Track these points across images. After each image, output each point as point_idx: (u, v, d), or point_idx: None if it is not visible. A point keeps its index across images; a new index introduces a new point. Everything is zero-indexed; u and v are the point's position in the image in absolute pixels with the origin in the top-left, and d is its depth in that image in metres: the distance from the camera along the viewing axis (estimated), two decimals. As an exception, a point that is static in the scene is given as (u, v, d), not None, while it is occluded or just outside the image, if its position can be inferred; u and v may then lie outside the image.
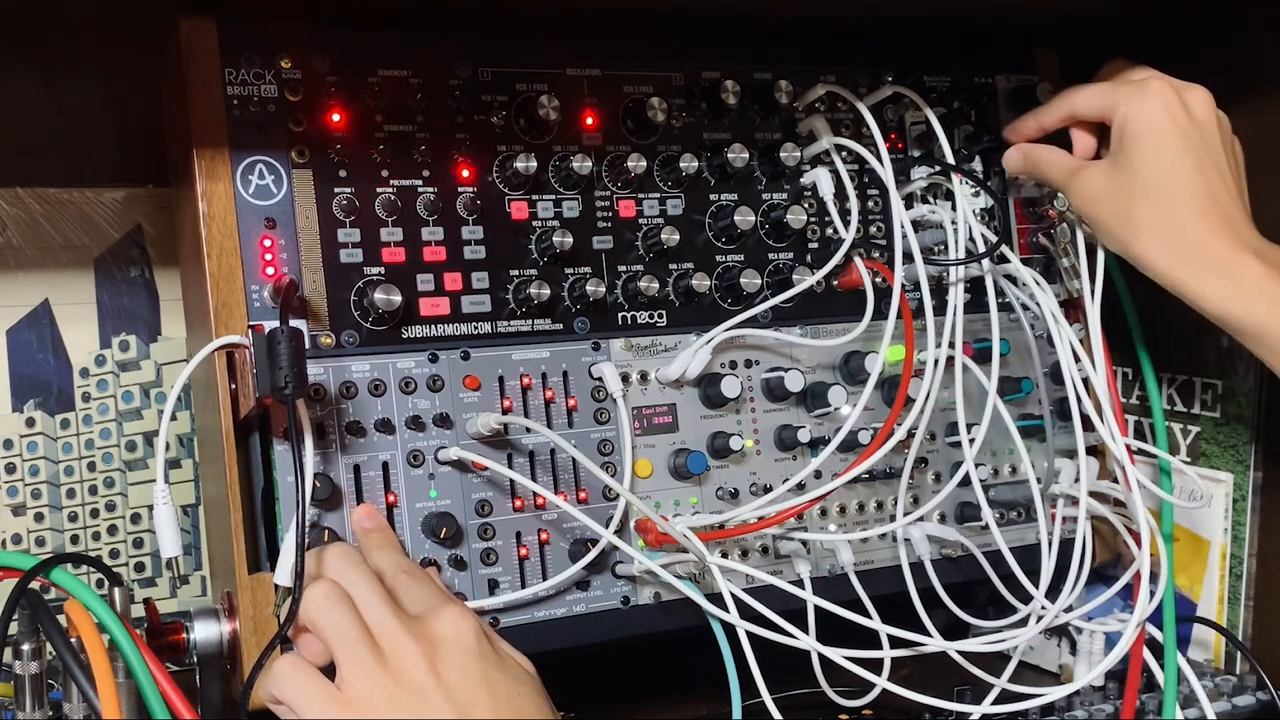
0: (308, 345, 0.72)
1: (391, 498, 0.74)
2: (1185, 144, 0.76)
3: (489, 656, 0.61)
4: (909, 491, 0.86)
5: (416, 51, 0.77)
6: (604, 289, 0.79)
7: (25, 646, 0.61)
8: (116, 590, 0.64)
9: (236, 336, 0.71)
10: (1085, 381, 0.87)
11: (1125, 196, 0.78)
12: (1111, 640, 0.87)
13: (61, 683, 0.63)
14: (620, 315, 0.81)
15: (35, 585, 0.60)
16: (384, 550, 0.69)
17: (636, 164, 0.80)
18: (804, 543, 0.82)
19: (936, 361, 0.83)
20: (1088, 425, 0.86)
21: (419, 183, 0.77)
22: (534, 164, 0.77)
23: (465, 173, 0.78)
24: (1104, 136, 0.83)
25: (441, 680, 0.59)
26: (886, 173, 0.85)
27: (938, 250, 0.88)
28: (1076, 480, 0.87)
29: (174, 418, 0.92)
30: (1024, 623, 0.83)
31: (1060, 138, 0.86)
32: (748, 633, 0.75)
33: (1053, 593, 0.83)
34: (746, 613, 0.75)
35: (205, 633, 0.71)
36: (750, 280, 0.83)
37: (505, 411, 0.77)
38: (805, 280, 0.84)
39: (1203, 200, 0.76)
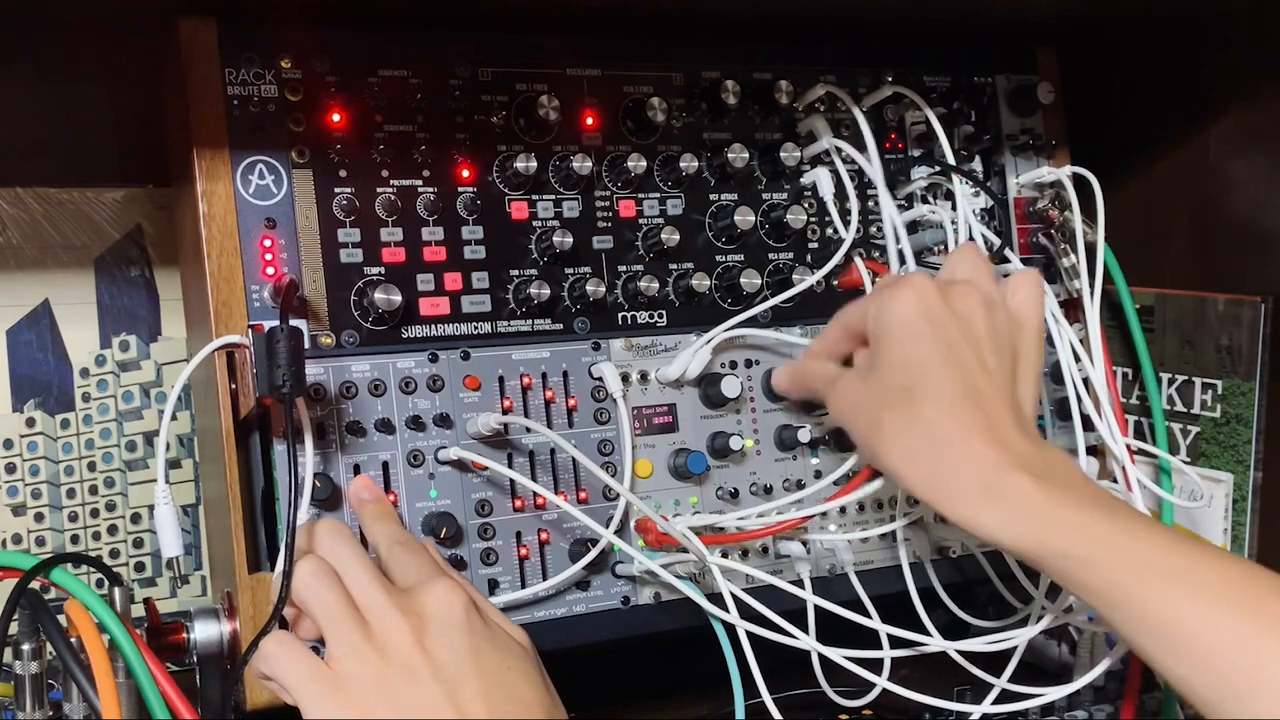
0: (308, 345, 0.72)
1: (392, 498, 0.74)
2: (936, 337, 0.66)
3: (478, 630, 0.61)
4: (909, 491, 0.86)
5: (416, 51, 0.77)
6: (604, 289, 0.79)
7: (25, 646, 0.61)
8: (116, 590, 0.64)
9: (236, 336, 0.71)
10: (1085, 381, 0.87)
11: (875, 401, 0.68)
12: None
13: (61, 683, 0.63)
14: (620, 315, 0.81)
15: (35, 585, 0.60)
16: (380, 522, 0.69)
17: (636, 164, 0.80)
18: (804, 542, 0.82)
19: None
20: (1088, 425, 0.86)
21: (419, 183, 0.77)
22: (534, 164, 0.77)
23: (465, 173, 0.78)
24: None
25: (428, 655, 0.59)
26: (876, 173, 0.84)
27: (938, 250, 0.88)
28: (1076, 480, 0.87)
29: (174, 418, 0.92)
30: (1024, 623, 0.83)
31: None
32: (748, 633, 0.75)
33: (1053, 593, 0.83)
34: (746, 613, 0.75)
35: (205, 633, 0.71)
36: (750, 280, 0.83)
37: (505, 411, 0.77)
38: (805, 280, 0.84)
39: (957, 399, 0.65)
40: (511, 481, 0.76)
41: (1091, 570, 0.62)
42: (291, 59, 0.74)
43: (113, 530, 0.92)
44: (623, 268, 0.81)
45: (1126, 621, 0.62)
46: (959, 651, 0.79)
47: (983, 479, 0.64)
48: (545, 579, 0.76)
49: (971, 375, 0.66)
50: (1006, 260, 0.88)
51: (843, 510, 0.85)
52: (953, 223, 0.86)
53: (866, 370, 0.70)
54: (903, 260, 0.85)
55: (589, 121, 0.81)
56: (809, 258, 0.86)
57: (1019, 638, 0.82)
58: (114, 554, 0.92)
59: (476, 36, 0.79)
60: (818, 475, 0.83)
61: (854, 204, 0.86)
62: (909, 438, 0.66)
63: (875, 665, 0.77)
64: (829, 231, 0.87)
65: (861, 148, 0.85)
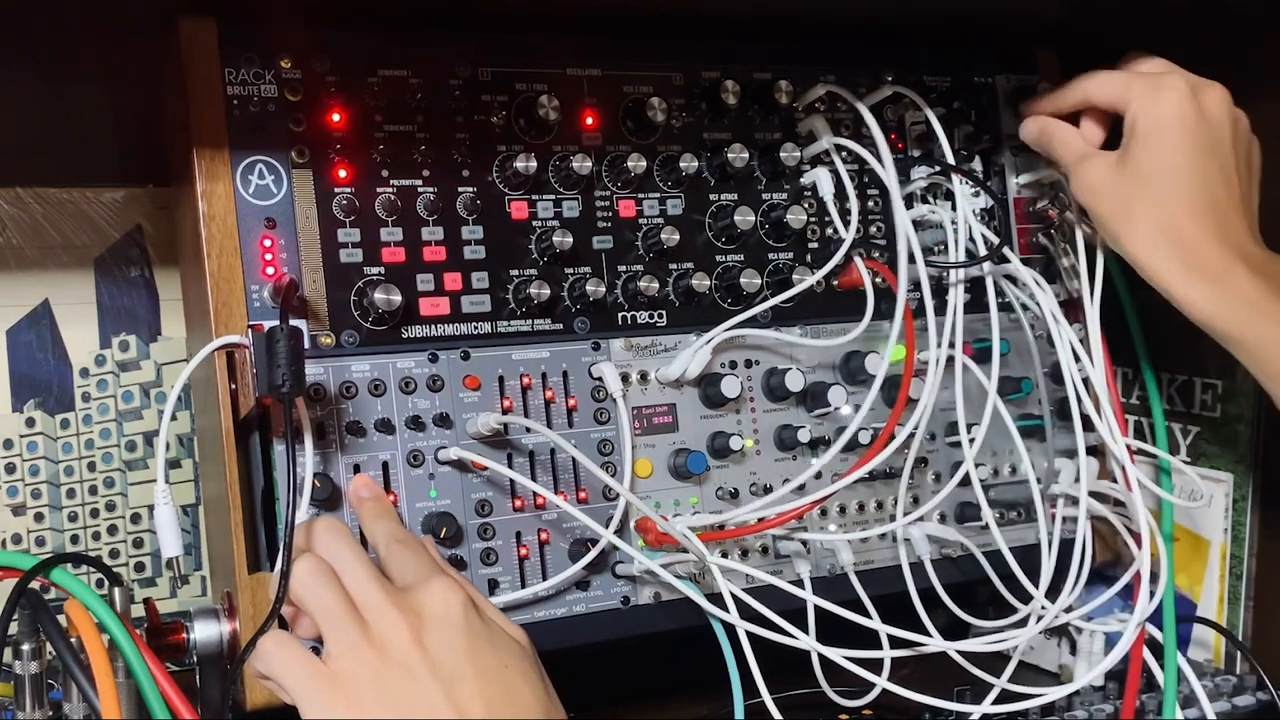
0: (308, 345, 0.72)
1: (391, 498, 0.74)
2: (1192, 145, 0.76)
3: (476, 629, 0.60)
4: (909, 491, 0.86)
5: (416, 51, 0.77)
6: (604, 289, 0.79)
7: (25, 646, 0.61)
8: (116, 590, 0.64)
9: (236, 336, 0.71)
10: (1085, 381, 0.87)
11: (1126, 192, 0.77)
12: (1111, 640, 0.87)
13: (61, 683, 0.63)
14: (620, 315, 0.81)
15: (35, 585, 0.60)
16: (379, 520, 0.69)
17: (636, 164, 0.80)
18: (804, 543, 0.82)
19: (937, 361, 0.83)
20: (1088, 425, 0.86)
21: (419, 183, 0.77)
22: (534, 164, 0.77)
23: (465, 173, 0.78)
24: (1114, 127, 0.83)
25: (427, 653, 0.58)
26: (888, 172, 0.85)
27: (938, 250, 0.88)
28: (1076, 480, 0.87)
29: (174, 418, 0.92)
30: (1024, 623, 0.83)
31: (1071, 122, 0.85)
32: (748, 633, 0.75)
33: (1053, 593, 0.83)
34: (746, 613, 0.75)
35: (205, 633, 0.71)
36: (750, 280, 0.83)
37: (505, 411, 0.77)
38: (805, 280, 0.84)
39: (1201, 204, 0.75)
40: (511, 481, 0.76)
41: None
42: (291, 59, 0.74)
43: (113, 530, 0.92)
44: (623, 268, 0.81)
45: None
46: (959, 651, 0.80)
47: (1211, 270, 0.74)
48: (545, 579, 0.76)
49: (1214, 184, 0.76)
50: (1006, 260, 0.88)
51: (842, 510, 0.85)
52: (953, 223, 0.86)
53: (1121, 159, 0.78)
54: (912, 259, 0.85)
55: (589, 121, 0.81)
56: (809, 258, 0.86)
57: (1019, 638, 0.82)
58: (114, 554, 0.92)
59: (476, 36, 0.79)
60: (818, 476, 0.82)
61: (854, 204, 0.86)
62: (1156, 233, 0.76)
63: (875, 665, 0.77)
64: (829, 231, 0.87)
65: (865, 145, 0.85)
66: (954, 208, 0.87)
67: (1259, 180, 0.80)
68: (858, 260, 0.85)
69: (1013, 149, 0.93)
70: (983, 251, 0.87)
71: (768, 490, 0.82)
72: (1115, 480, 0.88)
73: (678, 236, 0.81)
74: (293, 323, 0.68)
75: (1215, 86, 0.78)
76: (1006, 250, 0.88)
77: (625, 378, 0.80)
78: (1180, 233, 0.75)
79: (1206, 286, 0.75)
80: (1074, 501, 0.87)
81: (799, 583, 0.81)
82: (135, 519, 0.92)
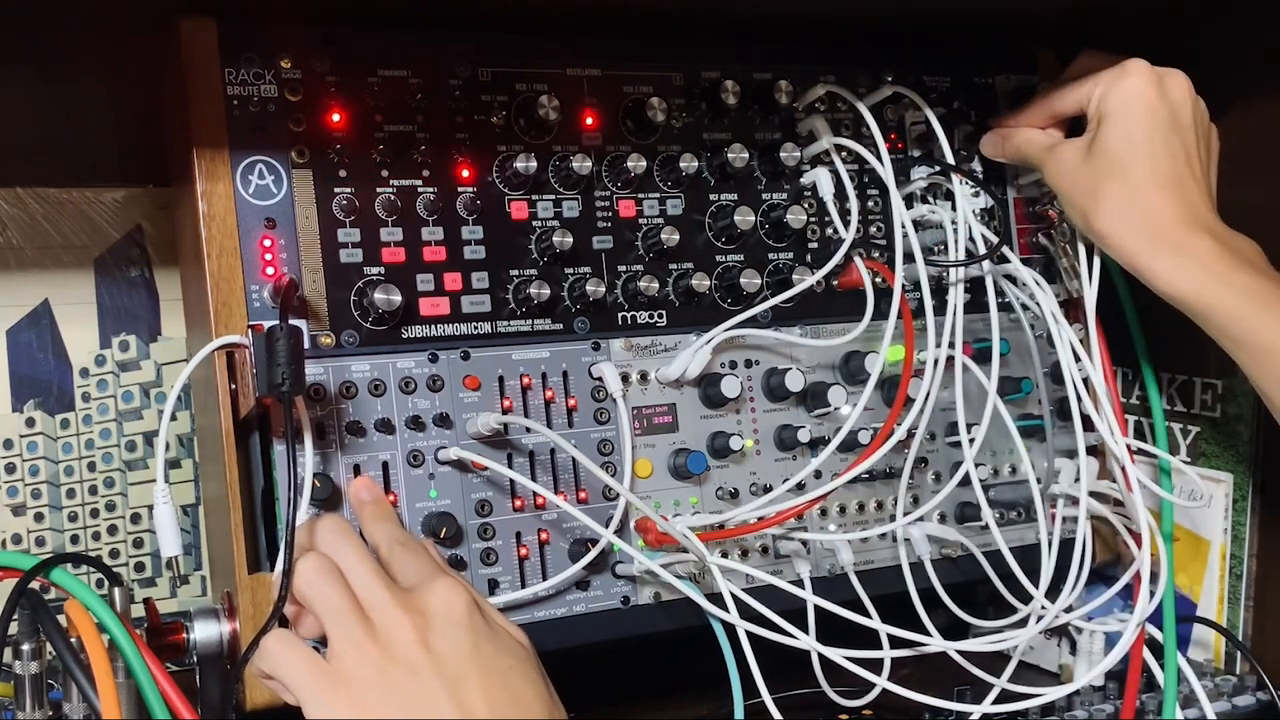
0: (308, 345, 0.72)
1: (392, 498, 0.74)
2: (1155, 122, 0.77)
3: (480, 630, 0.61)
4: (909, 491, 0.86)
5: (416, 51, 0.77)
6: (604, 289, 0.79)
7: (25, 646, 0.61)
8: (116, 590, 0.64)
9: (236, 336, 0.71)
10: (1085, 381, 0.87)
11: (1093, 171, 0.79)
12: (1111, 640, 0.87)
13: (61, 683, 0.63)
14: (620, 315, 0.81)
15: (35, 585, 0.60)
16: (380, 522, 0.69)
17: (636, 164, 0.80)
18: (804, 543, 0.82)
19: (936, 361, 0.83)
20: (1088, 425, 0.86)
21: (419, 183, 0.77)
22: (534, 164, 0.77)
23: (465, 173, 0.78)
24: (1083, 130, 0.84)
25: (431, 652, 0.58)
26: (887, 173, 0.85)
27: (938, 250, 0.88)
28: (1076, 480, 0.87)
29: (174, 418, 0.92)
30: (1024, 623, 0.83)
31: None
32: (748, 633, 0.75)
33: (1053, 593, 0.83)
34: (746, 613, 0.75)
35: (205, 633, 0.71)
36: (750, 280, 0.83)
37: (505, 411, 0.77)
38: (805, 280, 0.84)
39: (1165, 178, 0.77)
40: (511, 481, 0.76)
41: (1251, 328, 0.73)
42: (291, 59, 0.74)
43: (113, 530, 0.92)
44: (623, 268, 0.81)
45: (1273, 380, 0.74)
46: (959, 651, 0.80)
47: (1174, 240, 0.75)
48: (545, 579, 0.76)
49: (1178, 161, 0.77)
50: (1006, 260, 0.88)
51: (842, 510, 0.85)
52: (953, 223, 0.86)
53: (1088, 143, 0.80)
54: (911, 258, 0.85)
55: (589, 121, 0.81)
56: (809, 258, 0.86)
57: (1019, 638, 0.82)
58: (114, 554, 0.92)
59: (476, 36, 0.79)
60: (817, 475, 0.82)
61: (854, 204, 0.86)
62: (1122, 207, 0.77)
63: (875, 665, 0.77)
64: (829, 231, 0.87)
65: (865, 145, 0.85)
66: (954, 208, 0.87)
67: (1216, 166, 0.81)
68: (858, 260, 0.85)
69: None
70: (983, 251, 0.87)
71: (768, 490, 0.82)
72: (1115, 480, 0.88)
73: (678, 236, 0.81)
74: (293, 322, 0.68)
75: (1175, 72, 0.79)
76: (1006, 250, 0.88)
77: (625, 378, 0.80)
78: (1145, 205, 0.76)
79: (1171, 258, 0.75)
80: (1074, 501, 0.87)
81: (799, 583, 0.81)
82: (135, 519, 0.93)
